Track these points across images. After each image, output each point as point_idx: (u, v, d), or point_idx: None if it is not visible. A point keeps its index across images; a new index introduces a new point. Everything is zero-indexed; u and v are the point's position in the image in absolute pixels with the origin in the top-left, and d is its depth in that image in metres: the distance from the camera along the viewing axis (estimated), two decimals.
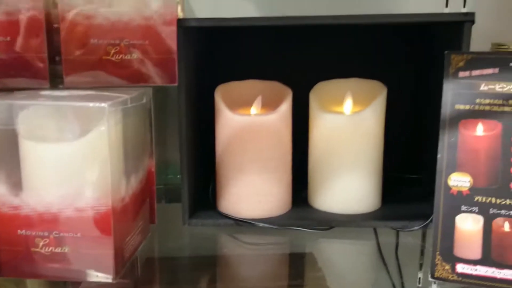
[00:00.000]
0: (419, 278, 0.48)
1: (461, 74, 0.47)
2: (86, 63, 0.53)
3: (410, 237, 0.56)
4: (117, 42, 0.53)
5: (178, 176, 0.59)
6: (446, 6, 0.72)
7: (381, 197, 0.61)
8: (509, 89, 0.46)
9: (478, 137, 0.46)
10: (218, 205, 0.60)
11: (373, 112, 0.57)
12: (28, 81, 0.53)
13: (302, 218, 0.58)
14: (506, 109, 0.46)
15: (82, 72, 0.54)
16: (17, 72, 0.54)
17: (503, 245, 0.44)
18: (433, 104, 0.56)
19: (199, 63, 0.62)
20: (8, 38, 0.53)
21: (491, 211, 0.45)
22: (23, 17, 0.52)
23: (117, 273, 0.46)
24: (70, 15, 0.52)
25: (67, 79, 0.53)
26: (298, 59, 0.70)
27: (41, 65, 0.52)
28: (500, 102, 0.46)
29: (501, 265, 0.44)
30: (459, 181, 0.46)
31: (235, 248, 0.57)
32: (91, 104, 0.42)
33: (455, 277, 0.46)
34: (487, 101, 0.46)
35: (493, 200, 0.45)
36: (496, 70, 0.46)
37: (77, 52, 0.53)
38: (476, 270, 0.45)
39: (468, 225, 0.46)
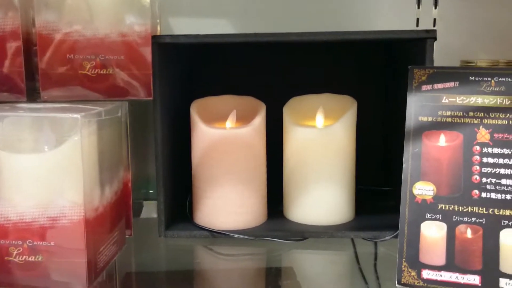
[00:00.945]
0: None
1: (424, 87, 0.49)
2: (62, 77, 0.55)
3: (383, 247, 0.57)
4: (93, 57, 0.55)
5: None
6: (417, 26, 0.76)
7: (354, 209, 0.62)
8: (469, 101, 0.48)
9: (441, 148, 0.48)
10: (194, 217, 0.61)
11: (343, 125, 0.59)
12: (5, 95, 0.54)
13: (277, 229, 0.59)
14: (466, 120, 0.48)
15: (59, 86, 0.55)
16: None
17: (466, 251, 0.46)
18: (401, 117, 0.58)
19: (175, 78, 0.64)
20: None
21: (454, 218, 0.47)
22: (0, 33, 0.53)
23: (90, 282, 0.46)
24: (46, 31, 0.54)
25: (44, 93, 0.55)
26: (272, 75, 0.72)
27: (18, 79, 0.54)
28: (461, 114, 0.48)
29: (464, 271, 0.46)
30: (423, 189, 0.48)
31: (211, 260, 0.58)
32: (64, 115, 0.44)
33: (421, 283, 0.47)
34: (449, 113, 0.48)
35: (456, 207, 0.47)
36: (457, 83, 0.49)
37: (54, 66, 0.55)
38: (441, 275, 0.46)
39: (433, 232, 0.47)
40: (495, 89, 0.47)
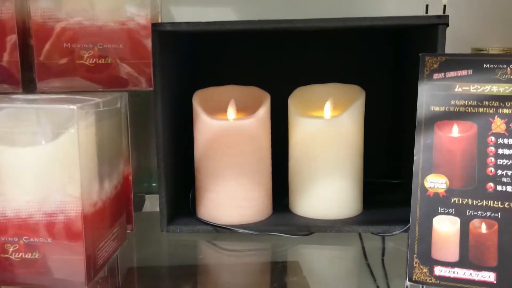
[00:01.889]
0: (406, 286, 0.47)
1: (436, 76, 0.47)
2: (59, 67, 0.53)
3: (392, 242, 0.56)
4: (91, 46, 0.53)
5: None
6: (426, 12, 0.73)
7: (362, 202, 0.61)
8: (483, 90, 0.46)
9: (454, 138, 0.46)
10: (197, 211, 0.60)
11: (351, 116, 0.57)
12: (0, 86, 0.53)
13: (282, 224, 0.58)
14: (481, 110, 0.46)
15: (56, 76, 0.53)
16: None
17: (480, 247, 0.44)
18: (412, 107, 0.56)
19: (177, 68, 0.62)
20: None
21: (468, 212, 0.45)
22: None
23: (89, 280, 0.45)
24: (42, 19, 0.52)
25: (41, 84, 0.53)
26: (276, 64, 0.71)
27: (14, 70, 0.52)
28: (475, 103, 0.46)
29: (479, 267, 0.44)
30: (436, 182, 0.46)
31: (215, 255, 0.57)
32: (60, 106, 0.42)
33: (434, 280, 0.45)
34: (462, 102, 0.46)
35: (470, 201, 0.45)
36: (470, 71, 0.46)
37: (50, 56, 0.53)
38: (454, 272, 0.45)
39: (445, 227, 0.45)
40: (511, 77, 0.45)
